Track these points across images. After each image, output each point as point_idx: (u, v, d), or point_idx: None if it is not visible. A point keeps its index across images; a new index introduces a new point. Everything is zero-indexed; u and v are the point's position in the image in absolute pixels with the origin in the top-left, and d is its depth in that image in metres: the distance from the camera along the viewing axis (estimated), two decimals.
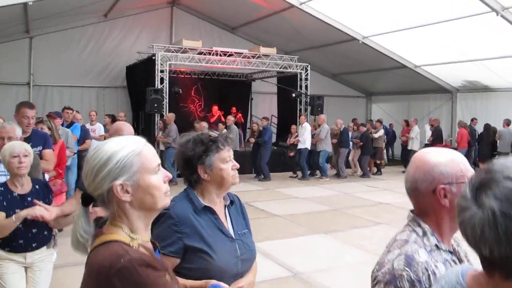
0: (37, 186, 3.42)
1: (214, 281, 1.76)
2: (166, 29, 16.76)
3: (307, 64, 15.44)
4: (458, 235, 1.26)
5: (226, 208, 2.21)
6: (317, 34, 15.04)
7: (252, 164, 13.72)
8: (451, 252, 1.60)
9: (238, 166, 2.17)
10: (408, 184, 1.63)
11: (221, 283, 1.76)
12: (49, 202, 3.39)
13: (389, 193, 11.07)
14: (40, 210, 3.17)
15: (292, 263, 5.92)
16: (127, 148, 1.42)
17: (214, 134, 2.15)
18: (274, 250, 6.48)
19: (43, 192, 3.44)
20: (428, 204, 1.57)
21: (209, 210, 2.09)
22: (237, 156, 11.74)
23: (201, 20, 17.13)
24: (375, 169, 14.71)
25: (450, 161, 1.55)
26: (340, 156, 13.85)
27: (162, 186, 1.46)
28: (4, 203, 3.23)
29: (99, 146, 1.46)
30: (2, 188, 3.30)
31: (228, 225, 2.16)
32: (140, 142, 1.47)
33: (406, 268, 1.49)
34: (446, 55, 13.68)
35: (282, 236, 7.25)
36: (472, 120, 14.87)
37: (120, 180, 1.39)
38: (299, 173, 13.49)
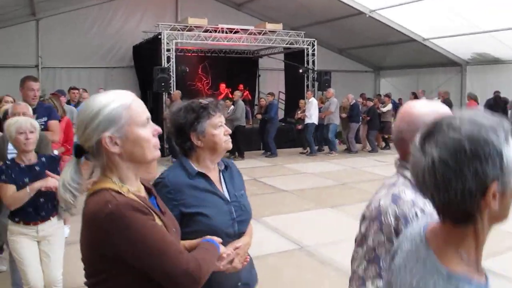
0: (43, 159, 3.50)
1: (208, 237, 1.81)
2: (171, 7, 16.68)
3: (314, 40, 15.32)
4: None
5: (221, 173, 2.25)
6: (324, 9, 14.89)
7: (260, 140, 13.76)
8: None
9: (230, 131, 2.20)
10: (394, 135, 1.71)
11: (215, 238, 1.81)
12: (58, 173, 3.44)
13: None
14: (53, 182, 3.25)
15: (299, 237, 5.99)
16: (116, 102, 1.47)
17: (204, 101, 2.17)
18: (281, 224, 6.54)
19: (50, 164, 3.50)
20: None
21: (202, 176, 2.13)
22: (245, 132, 11.77)
23: None
24: (383, 144, 14.65)
25: (434, 112, 1.56)
26: (350, 131, 13.80)
27: (150, 139, 1.50)
28: (13, 175, 3.32)
29: (89, 99, 1.52)
30: (9, 163, 3.40)
31: (223, 189, 2.20)
32: (129, 96, 1.52)
33: (392, 204, 1.55)
34: (455, 28, 13.43)
35: (290, 210, 7.31)
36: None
37: (109, 132, 1.44)
38: (308, 149, 13.50)
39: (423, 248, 1.09)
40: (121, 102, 1.47)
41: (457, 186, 0.97)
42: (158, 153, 1.55)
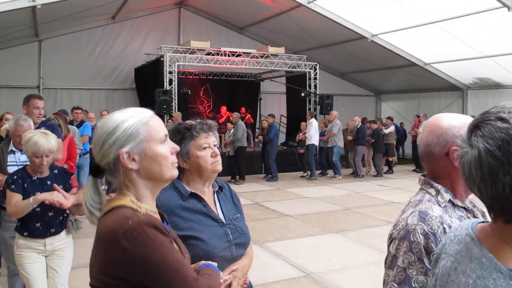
0: (55, 171, 3.45)
1: (204, 262, 1.71)
2: (174, 30, 16.77)
3: (316, 63, 15.37)
4: (474, 197, 1.25)
5: (215, 194, 2.19)
6: (326, 33, 14.98)
7: (262, 163, 13.69)
8: (465, 209, 1.63)
9: (217, 152, 2.12)
10: (421, 148, 1.66)
11: (211, 262, 1.71)
12: (69, 187, 3.43)
13: (401, 192, 10.97)
14: (58, 196, 3.19)
15: (304, 263, 5.86)
16: (134, 118, 1.44)
17: (191, 122, 2.13)
18: (286, 250, 6.42)
19: (62, 176, 3.46)
20: (441, 167, 1.60)
21: (196, 197, 2.07)
22: (247, 155, 11.68)
23: (208, 21, 17.13)
24: (386, 168, 14.57)
25: (463, 124, 1.53)
26: (357, 154, 13.70)
27: (169, 156, 1.47)
28: (25, 185, 3.27)
29: (107, 116, 1.49)
30: (22, 172, 3.34)
31: (218, 211, 2.13)
32: (148, 113, 1.49)
33: (420, 223, 1.52)
34: (456, 52, 13.51)
35: (294, 236, 7.19)
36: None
37: (127, 148, 1.41)
38: (309, 172, 13.40)
39: (475, 247, 1.04)
40: (139, 118, 1.45)
41: (505, 178, 0.93)
42: (176, 171, 1.51)
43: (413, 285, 1.47)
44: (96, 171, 1.47)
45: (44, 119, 5.15)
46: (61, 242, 3.44)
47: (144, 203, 1.43)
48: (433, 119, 1.70)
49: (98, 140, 1.43)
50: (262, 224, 7.84)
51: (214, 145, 2.13)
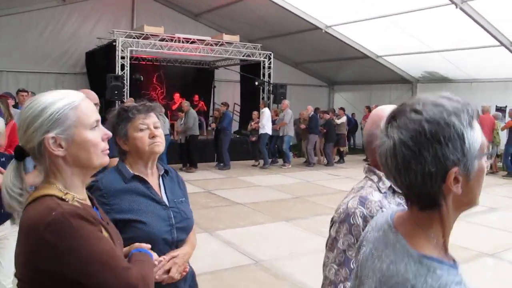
0: (3, 159, 3.39)
1: (137, 245, 1.67)
2: (127, 14, 16.37)
3: (270, 53, 15.40)
4: None
5: (161, 178, 2.17)
6: (281, 23, 15.03)
7: (214, 151, 13.65)
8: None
9: (156, 133, 2.07)
10: (365, 138, 1.75)
11: (143, 245, 1.67)
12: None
13: (351, 181, 11.15)
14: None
15: (254, 251, 5.92)
16: (63, 101, 1.36)
17: (129, 104, 2.13)
18: (236, 238, 6.45)
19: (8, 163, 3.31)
20: None
21: (139, 179, 2.05)
22: (200, 143, 11.60)
23: (163, 6, 16.83)
24: (337, 157, 14.84)
25: None
26: (309, 143, 13.87)
27: (99, 143, 1.40)
28: None
29: (35, 97, 1.39)
30: None
31: (162, 194, 2.12)
32: (79, 96, 1.41)
33: (360, 206, 1.60)
34: (407, 46, 13.91)
35: (244, 224, 7.23)
36: None
37: (53, 133, 1.33)
38: (261, 162, 13.50)
39: (391, 234, 1.08)
40: (68, 101, 1.36)
41: (417, 168, 0.97)
42: (107, 159, 1.43)
43: (351, 267, 1.52)
44: (20, 154, 1.39)
45: None
46: (6, 231, 3.35)
47: (72, 191, 1.37)
48: (375, 110, 1.78)
49: (23, 123, 1.35)
50: (213, 212, 7.85)
51: (155, 127, 2.09)
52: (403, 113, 1.00)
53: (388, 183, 1.67)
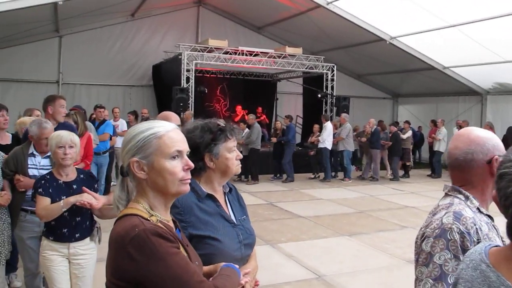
0: (82, 175, 3.49)
1: (225, 263, 1.79)
2: (192, 28, 16.81)
3: (334, 65, 15.30)
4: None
5: (226, 196, 2.24)
6: (344, 34, 14.90)
7: (273, 163, 13.62)
8: (489, 217, 1.74)
9: (241, 156, 2.22)
10: (459, 157, 1.75)
11: (233, 264, 1.79)
12: (94, 192, 3.43)
13: (416, 197, 10.89)
14: (88, 198, 3.23)
15: (316, 265, 5.85)
16: (150, 130, 1.54)
17: (222, 123, 2.17)
18: (298, 251, 6.42)
19: (88, 180, 3.49)
20: (478, 175, 1.72)
21: (211, 198, 2.11)
22: (261, 155, 11.65)
23: (227, 20, 17.14)
24: (402, 172, 14.46)
25: (493, 136, 1.76)
26: (373, 160, 13.62)
27: (176, 172, 1.53)
28: (50, 190, 3.31)
29: (136, 125, 1.64)
30: (48, 176, 3.39)
31: (229, 212, 2.18)
32: (167, 127, 1.56)
33: (456, 222, 1.63)
34: (476, 56, 13.32)
35: (307, 237, 7.18)
36: None
37: (137, 157, 1.52)
38: (321, 175, 13.37)
39: (492, 275, 1.05)
40: (155, 131, 1.54)
41: None
42: (187, 188, 1.57)
43: (449, 281, 1.53)
44: (121, 171, 1.58)
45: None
46: (84, 248, 3.44)
47: (156, 211, 1.54)
48: (467, 130, 1.81)
49: (122, 145, 1.59)
50: (275, 224, 7.83)
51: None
52: None
53: (476, 202, 1.71)
